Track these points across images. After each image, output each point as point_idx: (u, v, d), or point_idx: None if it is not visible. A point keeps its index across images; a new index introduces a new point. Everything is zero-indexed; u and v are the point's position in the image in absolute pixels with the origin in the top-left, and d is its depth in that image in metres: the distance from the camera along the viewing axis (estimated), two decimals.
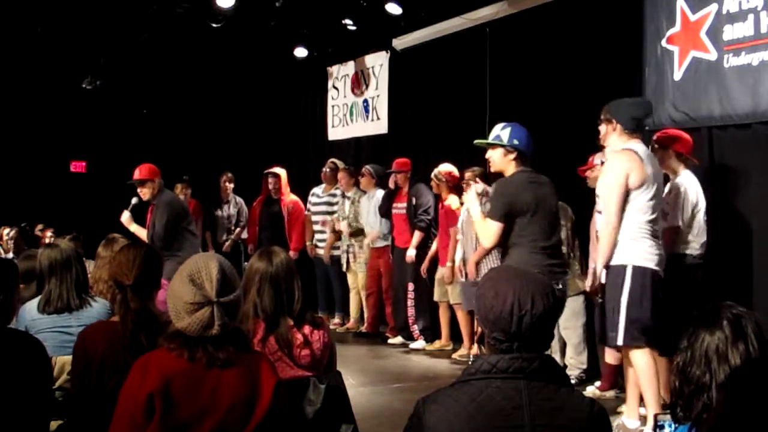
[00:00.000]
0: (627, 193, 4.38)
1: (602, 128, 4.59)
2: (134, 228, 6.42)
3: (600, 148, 5.34)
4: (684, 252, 4.95)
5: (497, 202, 4.66)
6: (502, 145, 4.69)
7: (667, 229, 4.82)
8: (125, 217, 6.47)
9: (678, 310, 4.43)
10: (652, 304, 4.35)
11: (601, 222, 4.53)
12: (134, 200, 6.52)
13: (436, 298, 7.40)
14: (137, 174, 6.43)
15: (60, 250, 3.67)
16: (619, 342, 4.37)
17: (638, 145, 4.48)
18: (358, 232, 8.29)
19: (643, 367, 4.33)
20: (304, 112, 10.66)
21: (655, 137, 5.14)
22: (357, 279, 8.41)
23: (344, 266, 8.46)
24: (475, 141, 4.96)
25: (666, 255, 4.56)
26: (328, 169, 8.79)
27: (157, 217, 6.26)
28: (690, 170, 5.06)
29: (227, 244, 9.20)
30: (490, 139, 4.77)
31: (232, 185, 9.41)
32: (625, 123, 4.48)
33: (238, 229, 9.33)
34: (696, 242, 4.96)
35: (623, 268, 4.38)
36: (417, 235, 7.45)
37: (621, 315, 4.33)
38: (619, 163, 4.43)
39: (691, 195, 4.93)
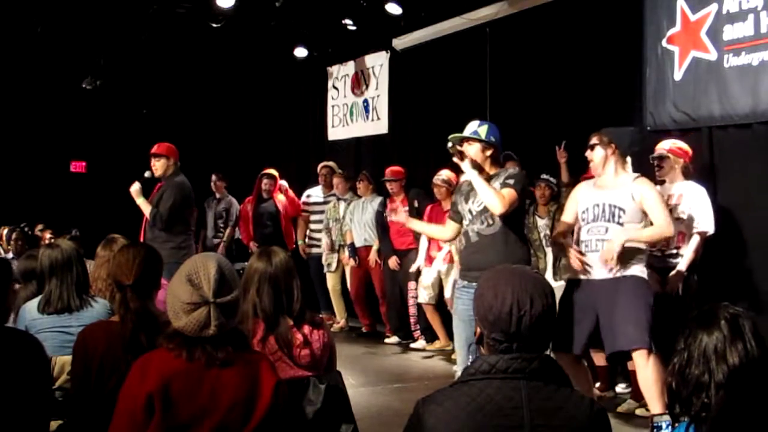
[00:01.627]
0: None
1: (598, 152, 4.66)
2: (140, 201, 6.33)
3: None
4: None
5: (522, 180, 4.52)
6: (481, 141, 4.55)
7: (700, 234, 4.99)
8: (135, 188, 6.36)
9: (679, 312, 4.46)
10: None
11: (659, 224, 4.50)
12: (147, 174, 6.42)
13: (421, 300, 7.33)
14: (155, 148, 6.41)
15: (61, 250, 3.66)
16: (652, 349, 4.39)
17: None
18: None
19: (658, 369, 4.35)
20: (304, 112, 10.64)
21: (667, 149, 5.19)
22: (337, 281, 8.58)
23: (332, 266, 8.51)
24: (451, 135, 4.72)
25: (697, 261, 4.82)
26: (325, 173, 8.83)
27: (164, 198, 6.18)
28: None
29: (221, 246, 9.23)
30: (467, 133, 4.62)
31: (223, 183, 9.57)
32: (624, 149, 4.68)
33: (229, 230, 9.37)
34: None
35: (641, 279, 4.47)
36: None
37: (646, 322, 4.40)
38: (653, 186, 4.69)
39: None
